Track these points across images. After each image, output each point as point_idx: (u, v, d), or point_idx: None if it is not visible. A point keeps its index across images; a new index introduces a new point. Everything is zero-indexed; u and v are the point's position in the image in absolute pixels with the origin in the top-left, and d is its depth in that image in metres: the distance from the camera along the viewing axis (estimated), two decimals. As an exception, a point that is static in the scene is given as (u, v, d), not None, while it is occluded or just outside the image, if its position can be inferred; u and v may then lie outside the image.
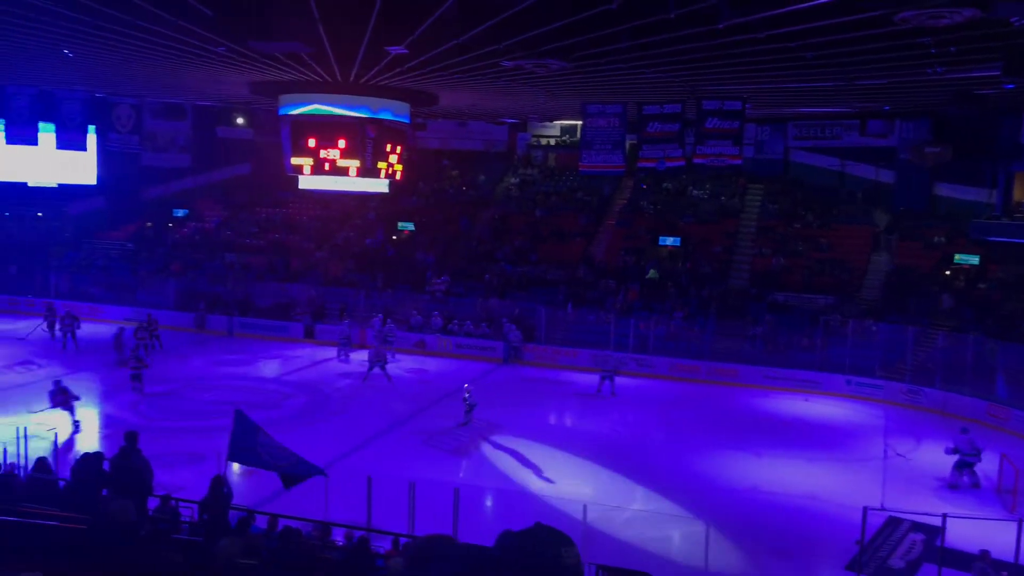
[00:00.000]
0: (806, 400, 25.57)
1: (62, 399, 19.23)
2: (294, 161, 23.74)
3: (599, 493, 17.35)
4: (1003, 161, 29.70)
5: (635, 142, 23.89)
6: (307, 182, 24.47)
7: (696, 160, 22.84)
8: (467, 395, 21.48)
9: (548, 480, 18.38)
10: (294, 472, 11.33)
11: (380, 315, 30.73)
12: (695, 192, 37.48)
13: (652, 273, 32.59)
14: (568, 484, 18.00)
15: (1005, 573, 11.93)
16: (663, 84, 20.99)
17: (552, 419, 23.79)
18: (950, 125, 31.26)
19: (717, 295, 30.87)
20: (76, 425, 19.33)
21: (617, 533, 14.66)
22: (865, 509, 11.55)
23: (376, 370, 25.33)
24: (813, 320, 28.21)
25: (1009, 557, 12.13)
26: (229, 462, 11.47)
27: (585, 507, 12.78)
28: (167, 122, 41.12)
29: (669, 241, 34.28)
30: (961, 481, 17.82)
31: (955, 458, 17.96)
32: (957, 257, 30.00)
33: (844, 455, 20.38)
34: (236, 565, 7.58)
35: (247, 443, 11.39)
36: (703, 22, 13.43)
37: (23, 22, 16.29)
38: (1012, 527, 12.27)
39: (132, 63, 21.27)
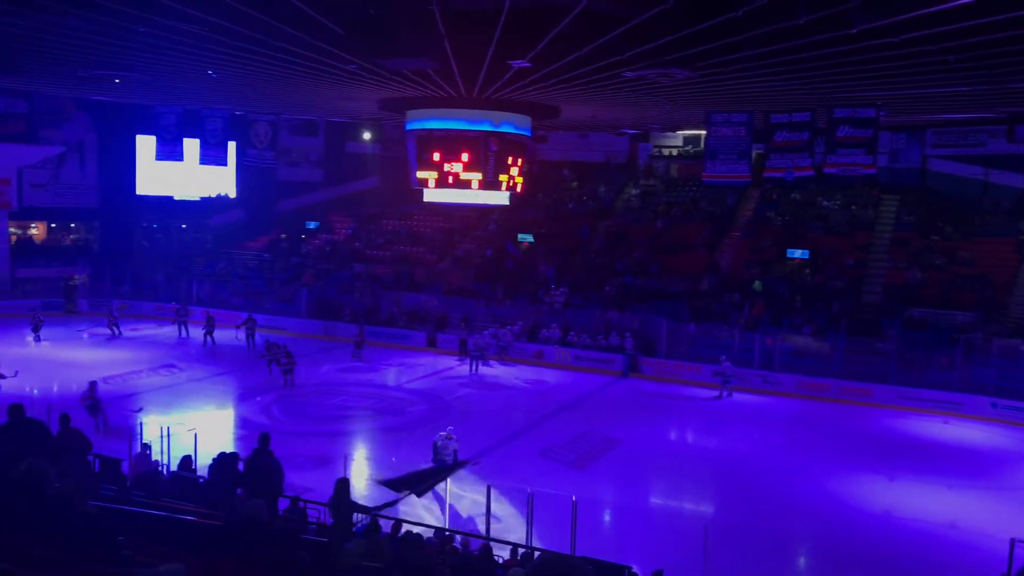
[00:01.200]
0: (945, 423, 24.12)
1: (90, 401, 19.65)
2: (419, 175, 24.34)
3: (720, 511, 16.93)
4: None
5: (762, 151, 23.27)
6: (431, 195, 25.03)
7: (826, 170, 22.05)
8: (441, 443, 16.75)
9: (667, 496, 18.08)
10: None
11: (495, 325, 31.17)
12: (825, 203, 36.11)
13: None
14: (688, 502, 17.65)
15: None
16: (792, 92, 20.35)
17: (672, 434, 23.38)
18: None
19: (848, 310, 29.59)
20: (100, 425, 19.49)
21: (738, 554, 14.22)
22: (1013, 541, 10.77)
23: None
24: (953, 338, 26.60)
25: None
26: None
27: (707, 526, 12.47)
28: (301, 138, 43.09)
29: (797, 253, 33.11)
30: None
31: None
32: (1119, 272, 27.72)
33: (988, 482, 19.10)
34: (361, 567, 7.78)
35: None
36: (835, 27, 12.93)
37: (176, 46, 17.41)
38: None
39: (271, 82, 22.39)
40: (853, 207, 35.35)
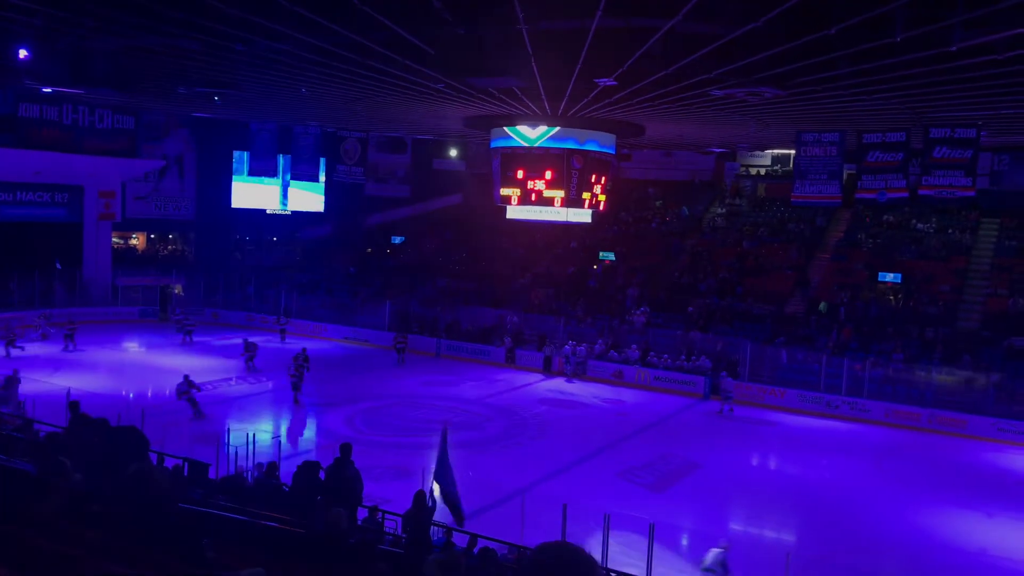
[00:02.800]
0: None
1: (185, 391, 21.69)
2: (503, 191, 24.56)
3: (803, 542, 16.42)
4: None
5: (853, 172, 22.66)
6: (514, 212, 25.21)
7: (921, 191, 21.33)
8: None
9: (748, 523, 17.64)
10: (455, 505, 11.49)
11: (573, 341, 31.15)
12: (920, 226, 34.86)
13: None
14: (769, 530, 17.18)
15: None
16: (886, 111, 19.79)
17: (755, 460, 22.83)
18: None
19: (943, 337, 28.42)
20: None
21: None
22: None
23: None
24: (1058, 369, 25.25)
25: None
26: (434, 481, 11.84)
27: (788, 556, 12.11)
28: (389, 155, 44.05)
29: (889, 277, 32.03)
30: None
31: None
32: None
33: (1095, 524, 17.99)
34: (435, 580, 7.84)
35: (445, 463, 11.66)
36: (934, 44, 12.55)
37: (273, 66, 18.07)
38: None
39: (361, 99, 22.99)
40: (950, 230, 34.03)
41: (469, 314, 35.24)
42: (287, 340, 33.43)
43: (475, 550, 9.81)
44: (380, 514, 11.66)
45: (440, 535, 11.24)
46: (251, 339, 29.49)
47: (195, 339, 32.88)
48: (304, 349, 26.47)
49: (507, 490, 16.44)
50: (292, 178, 33.71)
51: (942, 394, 26.00)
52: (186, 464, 11.76)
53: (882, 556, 15.70)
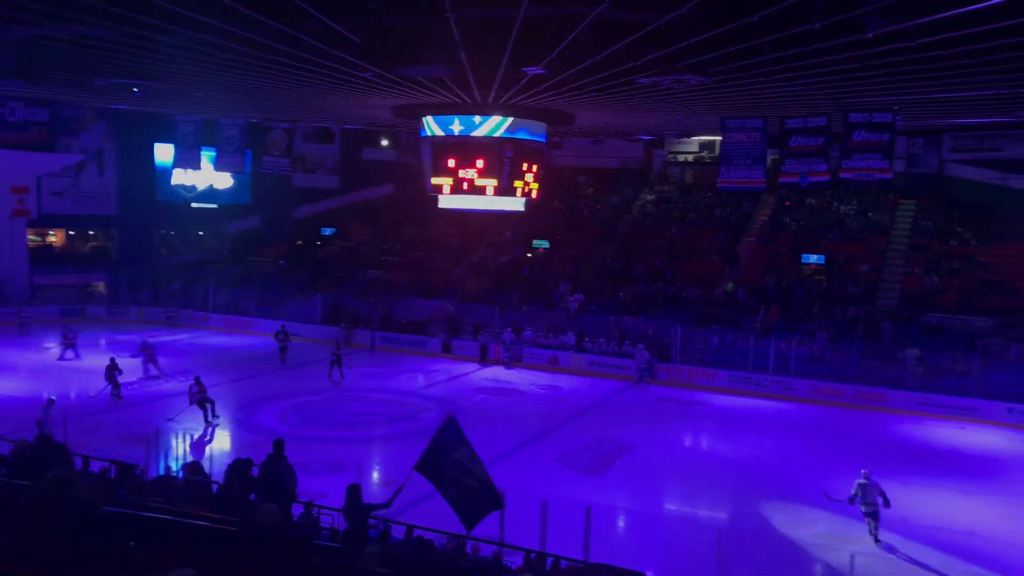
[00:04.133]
0: (962, 428, 23.92)
1: (199, 396, 21.06)
2: (434, 181, 24.41)
3: (735, 518, 16.85)
4: None
5: (777, 157, 23.18)
6: (446, 201, 25.10)
7: (842, 175, 21.90)
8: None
9: (682, 502, 18.03)
10: (466, 509, 10.66)
11: (509, 329, 31.23)
12: (841, 208, 35.96)
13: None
14: (704, 508, 17.58)
15: None
16: (807, 97, 20.29)
17: (687, 441, 23.30)
18: None
19: (864, 316, 29.42)
20: (210, 428, 20.69)
21: (752, 560, 14.15)
22: (1031, 550, 10.67)
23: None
24: (970, 344, 26.39)
25: None
26: (414, 471, 11.39)
27: (720, 532, 12.42)
28: (316, 145, 43.20)
29: (813, 259, 33.00)
30: None
31: None
32: None
33: (1007, 489, 18.91)
34: (374, 573, 7.81)
35: (440, 456, 11.12)
36: (850, 32, 12.90)
37: (196, 56, 17.58)
38: None
39: (288, 90, 22.56)
40: (870, 213, 35.18)
41: (403, 305, 35.05)
42: (211, 337, 32.69)
43: (411, 540, 9.78)
44: (316, 509, 11.54)
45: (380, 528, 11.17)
46: (149, 339, 28.34)
47: (119, 337, 31.92)
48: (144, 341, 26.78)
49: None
50: (217, 170, 32.86)
51: (864, 371, 26.97)
52: (113, 466, 11.44)
53: (809, 527, 16.22)
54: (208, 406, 21.17)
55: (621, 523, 16.50)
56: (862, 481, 15.28)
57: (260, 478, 10.87)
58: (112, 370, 23.27)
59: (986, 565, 14.50)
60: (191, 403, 21.09)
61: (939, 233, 32.80)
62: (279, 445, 11.35)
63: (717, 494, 18.46)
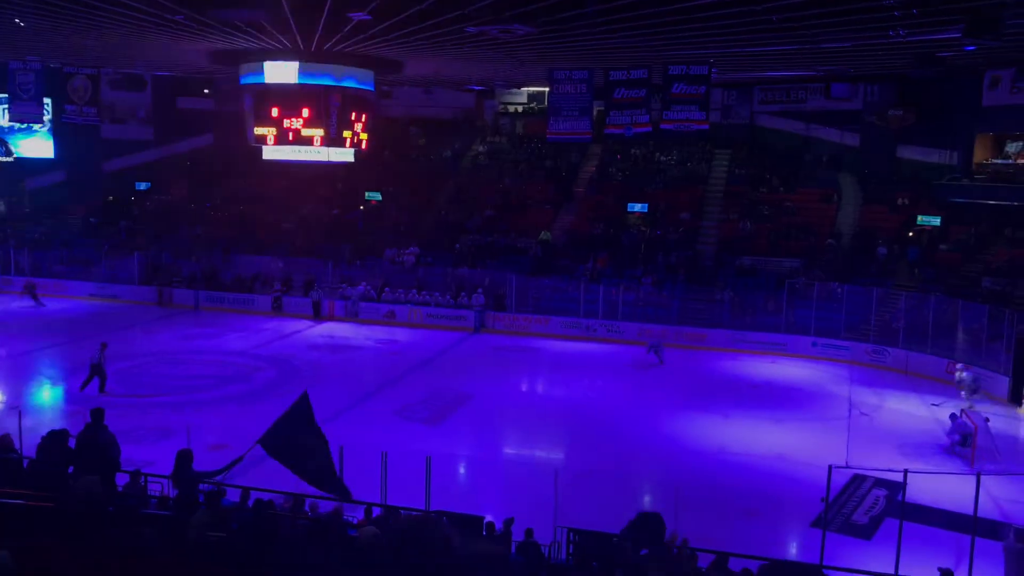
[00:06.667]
0: (773, 362, 25.93)
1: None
2: (257, 131, 23.42)
3: (571, 458, 17.54)
4: (964, 123, 30.03)
5: (603, 108, 23.82)
6: (271, 152, 24.17)
7: (663, 126, 22.84)
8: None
9: (520, 446, 18.56)
10: (319, 482, 10.80)
11: (345, 284, 30.74)
12: (663, 158, 37.52)
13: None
14: (540, 450, 18.18)
15: None
16: (629, 49, 20.90)
17: (524, 387, 23.93)
18: (913, 88, 31.47)
19: (685, 261, 31.07)
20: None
21: (588, 497, 14.83)
22: (830, 467, 11.75)
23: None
24: (779, 284, 28.53)
25: (968, 510, 12.46)
26: (258, 445, 11.10)
27: (556, 473, 12.89)
28: (126, 93, 40.15)
29: (637, 208, 34.38)
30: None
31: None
32: (920, 218, 30.41)
33: (811, 415, 20.74)
34: (206, 537, 7.57)
35: (288, 434, 10.91)
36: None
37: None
38: (971, 481, 12.58)
39: (87, 32, 20.75)
40: (689, 163, 36.91)
41: (229, 263, 33.61)
42: (15, 302, 30.19)
43: (249, 503, 9.53)
44: (143, 478, 10.98)
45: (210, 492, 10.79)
46: None
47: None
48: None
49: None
50: (11, 120, 29.94)
51: (686, 313, 28.61)
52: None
53: (639, 463, 17.16)
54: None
55: (462, 470, 16.79)
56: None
57: (78, 449, 10.22)
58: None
59: (793, 484, 15.89)
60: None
61: (751, 181, 34.95)
62: (98, 414, 10.67)
63: (553, 436, 19.14)
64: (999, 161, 29.32)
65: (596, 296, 29.21)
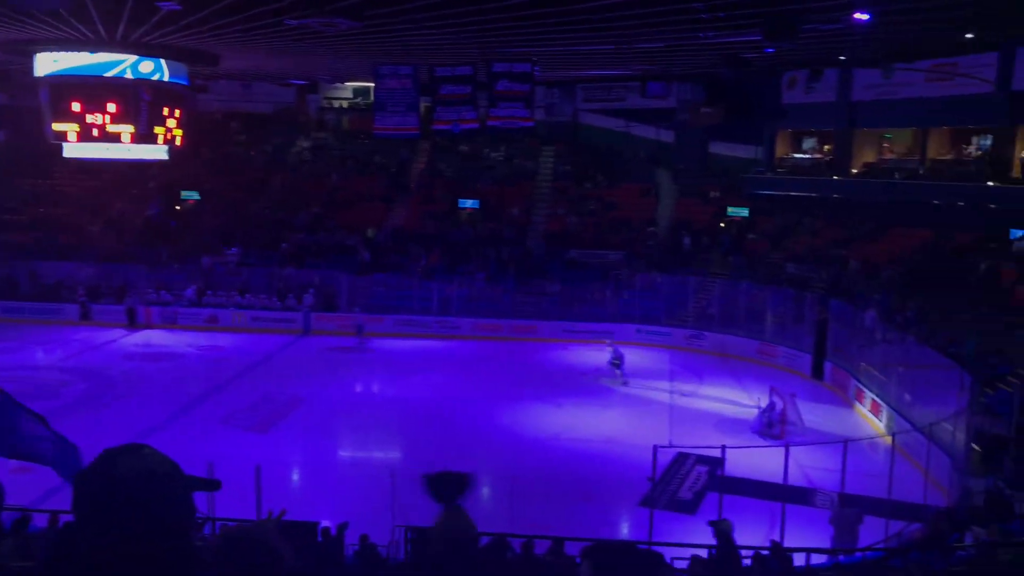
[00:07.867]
0: (601, 350, 26.83)
1: None
2: (56, 127, 21.65)
3: (408, 457, 17.41)
4: (767, 121, 32.25)
5: (430, 104, 23.76)
6: (73, 150, 22.42)
7: (490, 123, 23.06)
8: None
9: (355, 448, 18.25)
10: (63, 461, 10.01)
11: (162, 291, 29.09)
12: (492, 155, 37.95)
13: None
14: (377, 451, 17.94)
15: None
16: (454, 46, 20.95)
17: (358, 387, 23.52)
18: (721, 87, 33.40)
19: (516, 256, 31.60)
20: None
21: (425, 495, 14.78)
22: (655, 448, 12.31)
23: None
24: (604, 275, 29.60)
25: (779, 479, 13.43)
26: None
27: (393, 473, 12.75)
28: (-101, 84, 36.01)
29: (469, 204, 34.60)
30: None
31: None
32: (730, 210, 32.43)
33: (637, 399, 21.66)
34: (9, 568, 6.91)
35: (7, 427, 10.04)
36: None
37: None
38: (781, 453, 13.56)
39: None
40: (516, 159, 37.54)
41: (28, 269, 30.89)
42: None
43: (57, 528, 8.80)
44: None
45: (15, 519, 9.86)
46: None
47: None
48: None
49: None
50: None
51: (518, 306, 29.13)
52: None
53: (476, 456, 17.26)
54: None
55: (295, 477, 16.31)
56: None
57: None
58: None
59: (622, 465, 16.51)
60: None
61: (576, 177, 36.01)
62: None
63: (390, 436, 18.94)
64: (797, 156, 31.79)
65: (430, 293, 29.16)
